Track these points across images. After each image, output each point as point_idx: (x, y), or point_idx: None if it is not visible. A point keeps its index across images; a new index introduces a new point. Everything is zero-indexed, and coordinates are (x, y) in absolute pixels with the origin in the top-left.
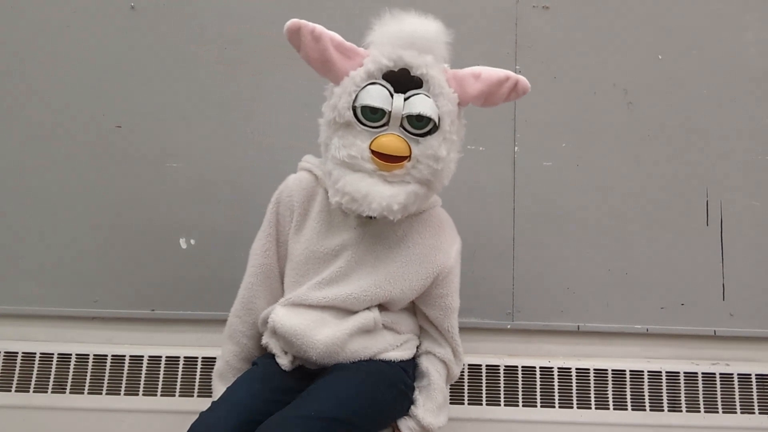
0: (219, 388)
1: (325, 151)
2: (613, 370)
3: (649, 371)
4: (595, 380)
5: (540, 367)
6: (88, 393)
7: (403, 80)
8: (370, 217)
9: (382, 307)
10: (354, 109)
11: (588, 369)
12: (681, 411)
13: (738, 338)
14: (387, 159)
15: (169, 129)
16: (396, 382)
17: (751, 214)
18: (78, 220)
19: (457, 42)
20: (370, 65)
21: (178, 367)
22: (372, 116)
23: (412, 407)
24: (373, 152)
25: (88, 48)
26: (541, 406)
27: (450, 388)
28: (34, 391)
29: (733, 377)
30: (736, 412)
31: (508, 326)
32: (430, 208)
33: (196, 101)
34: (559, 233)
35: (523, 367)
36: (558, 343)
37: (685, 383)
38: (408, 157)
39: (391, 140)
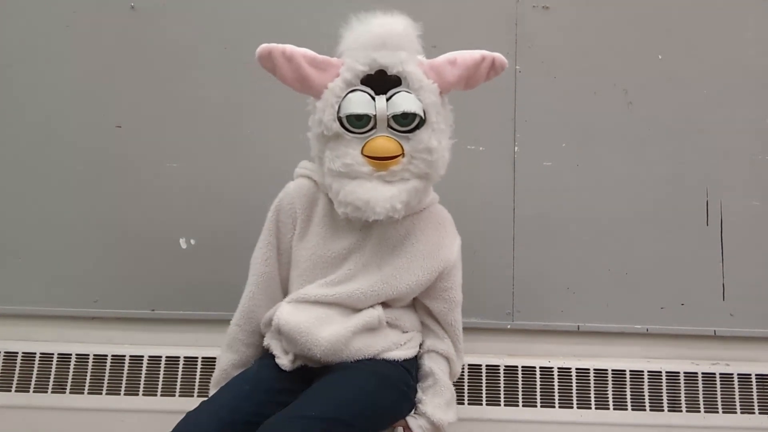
0: None
1: (320, 165)
2: (613, 370)
3: (649, 371)
4: (595, 380)
5: (540, 367)
6: (88, 393)
7: (381, 81)
8: None
9: (385, 304)
10: (339, 119)
11: (588, 369)
12: (681, 411)
13: (738, 338)
14: (381, 160)
15: (169, 129)
16: (398, 383)
17: (751, 214)
18: (78, 220)
19: (457, 42)
20: (346, 74)
21: (178, 367)
22: (358, 123)
23: (419, 405)
24: (366, 157)
25: (88, 48)
26: (541, 406)
27: None
28: (34, 391)
29: (733, 377)
30: (736, 412)
31: (508, 326)
32: (430, 205)
33: (196, 101)
34: (559, 233)
35: (523, 367)
36: (558, 343)
37: (685, 383)
38: (401, 155)
39: (381, 143)
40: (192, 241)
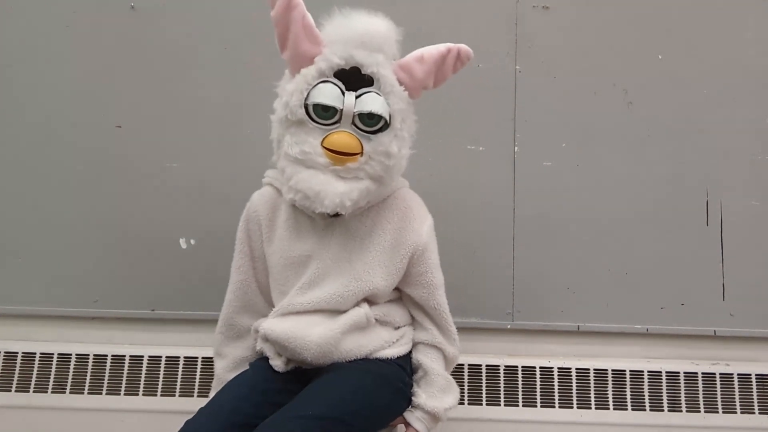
0: None
1: (278, 148)
2: (613, 370)
3: (649, 371)
4: (595, 380)
5: (540, 367)
6: (88, 393)
7: (354, 78)
8: (336, 215)
9: (371, 301)
10: (306, 106)
11: (588, 369)
12: (681, 411)
13: (738, 338)
14: (339, 155)
15: (169, 129)
16: (393, 381)
17: (751, 214)
18: (78, 220)
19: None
20: (321, 63)
21: (178, 367)
22: (324, 114)
23: (413, 398)
24: (325, 149)
25: (88, 48)
26: (541, 406)
27: None
28: (34, 391)
29: (733, 377)
30: (736, 412)
31: (508, 326)
32: (396, 190)
33: (196, 101)
34: (559, 233)
35: (523, 367)
36: (558, 343)
37: (685, 383)
38: (360, 153)
39: (342, 137)
40: (192, 241)
